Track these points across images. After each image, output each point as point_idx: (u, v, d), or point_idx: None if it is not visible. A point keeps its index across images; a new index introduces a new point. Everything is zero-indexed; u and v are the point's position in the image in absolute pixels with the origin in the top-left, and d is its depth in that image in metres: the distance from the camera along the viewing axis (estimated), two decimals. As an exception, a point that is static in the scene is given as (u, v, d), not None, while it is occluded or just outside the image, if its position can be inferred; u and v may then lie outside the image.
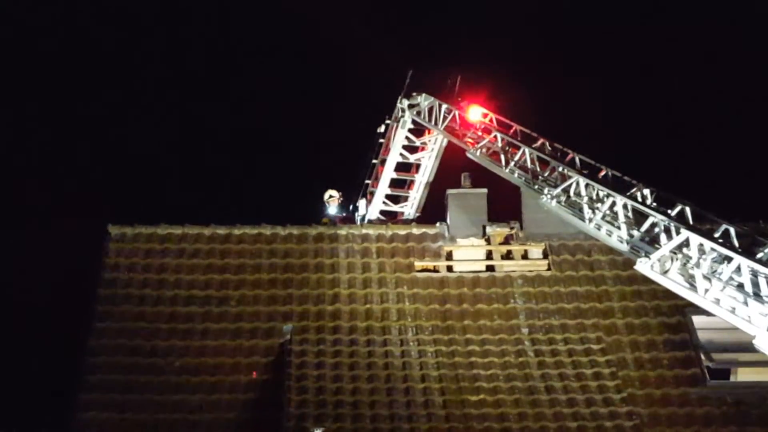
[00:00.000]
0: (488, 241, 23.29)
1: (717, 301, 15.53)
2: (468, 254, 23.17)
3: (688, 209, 16.57)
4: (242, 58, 39.45)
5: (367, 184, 25.68)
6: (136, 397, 20.45)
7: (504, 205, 23.53)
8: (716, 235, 15.81)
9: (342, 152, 30.46)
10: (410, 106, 24.15)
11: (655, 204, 17.34)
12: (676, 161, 33.63)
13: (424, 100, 23.89)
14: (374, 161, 25.57)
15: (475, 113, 22.56)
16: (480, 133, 22.29)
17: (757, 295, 14.87)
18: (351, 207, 25.96)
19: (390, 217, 25.28)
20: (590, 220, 18.37)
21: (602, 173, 18.79)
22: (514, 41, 36.24)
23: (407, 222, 24.74)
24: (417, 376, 20.28)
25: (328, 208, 25.86)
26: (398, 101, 24.38)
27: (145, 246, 22.98)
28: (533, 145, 20.71)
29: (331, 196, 25.89)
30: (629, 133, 34.91)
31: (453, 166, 24.02)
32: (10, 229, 33.64)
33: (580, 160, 19.48)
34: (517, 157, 20.90)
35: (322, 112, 36.08)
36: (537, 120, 21.85)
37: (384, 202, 25.57)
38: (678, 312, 21.39)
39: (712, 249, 15.59)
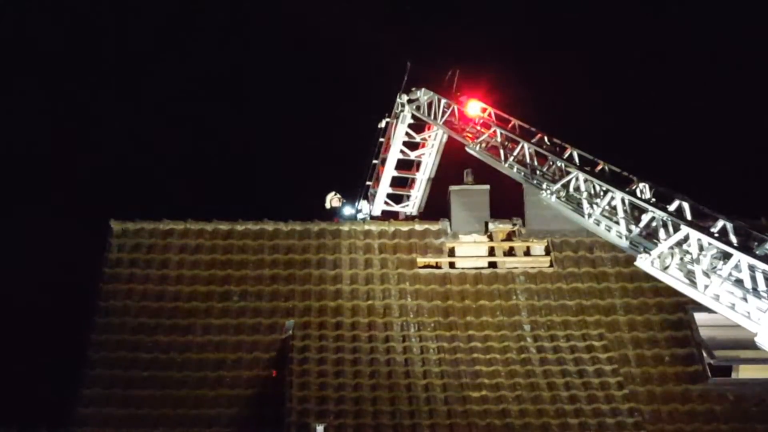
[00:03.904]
0: (491, 238, 23.30)
1: (717, 297, 15.48)
2: (470, 251, 23.18)
3: (686, 205, 16.51)
4: (244, 54, 39.44)
5: (368, 185, 25.65)
6: (138, 393, 20.47)
7: (506, 201, 23.55)
8: (715, 230, 15.76)
9: (343, 148, 30.46)
10: (409, 101, 24.12)
11: (653, 199, 17.33)
12: (676, 156, 33.57)
13: (423, 95, 23.86)
14: (374, 161, 25.54)
15: (474, 108, 22.53)
16: (479, 128, 22.29)
17: (755, 291, 14.85)
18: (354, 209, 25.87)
19: (392, 218, 25.13)
20: (589, 215, 18.33)
21: (599, 167, 18.76)
22: (512, 35, 36.25)
23: (410, 218, 24.73)
24: (419, 372, 20.28)
25: (341, 212, 25.69)
26: (397, 96, 24.37)
27: (147, 241, 23.01)
28: (532, 140, 20.66)
29: (338, 198, 25.76)
30: (628, 127, 34.86)
31: (455, 163, 24.01)
32: (12, 224, 33.71)
33: (578, 154, 19.45)
34: (515, 152, 20.85)
35: (323, 107, 36.08)
36: (535, 114, 21.88)
37: (386, 202, 25.53)
38: (680, 309, 21.40)
39: (712, 245, 15.56)
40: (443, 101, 23.29)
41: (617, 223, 17.66)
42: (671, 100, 35.95)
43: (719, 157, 33.64)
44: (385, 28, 34.40)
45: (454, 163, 24.09)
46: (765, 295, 14.75)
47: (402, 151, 24.92)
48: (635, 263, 16.92)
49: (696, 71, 36.43)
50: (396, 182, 25.41)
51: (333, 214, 25.29)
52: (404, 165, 25.26)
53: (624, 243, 17.51)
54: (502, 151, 21.30)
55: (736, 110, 35.08)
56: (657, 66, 37.85)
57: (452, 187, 23.83)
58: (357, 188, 25.81)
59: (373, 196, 25.48)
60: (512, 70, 29.13)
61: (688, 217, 16.38)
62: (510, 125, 21.68)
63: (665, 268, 16.28)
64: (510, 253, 23.03)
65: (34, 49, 39.03)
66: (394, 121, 24.66)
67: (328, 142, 34.57)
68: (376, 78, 29.82)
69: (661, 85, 36.85)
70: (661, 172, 18.43)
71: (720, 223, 15.83)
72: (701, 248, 15.73)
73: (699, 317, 20.97)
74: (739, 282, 15.14)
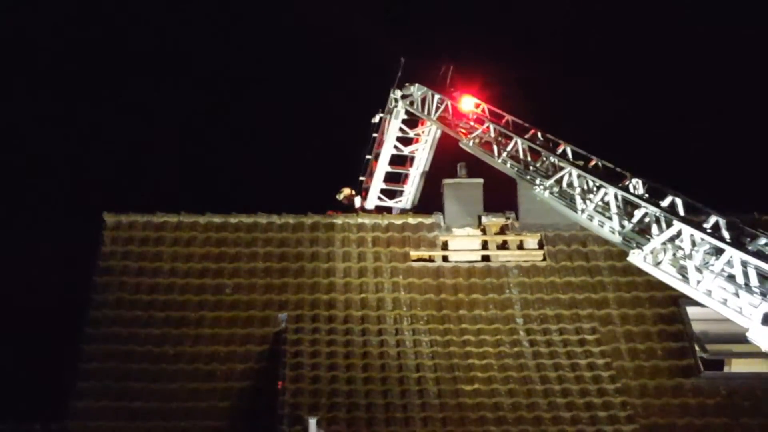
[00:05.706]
0: (484, 231, 23.32)
1: (709, 293, 15.51)
2: (463, 244, 23.20)
3: (679, 200, 16.56)
4: (238, 48, 39.48)
5: (362, 180, 25.64)
6: (132, 385, 20.47)
7: (500, 195, 23.56)
8: (707, 226, 15.79)
9: (337, 142, 30.48)
10: (403, 97, 24.10)
11: (646, 195, 17.36)
12: (670, 152, 33.66)
13: (417, 91, 23.83)
14: (368, 157, 25.52)
15: (468, 103, 22.54)
16: (472, 124, 22.29)
17: (747, 286, 14.89)
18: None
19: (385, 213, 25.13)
20: (582, 210, 18.35)
21: (592, 163, 18.79)
22: (506, 31, 36.32)
23: (403, 212, 24.75)
24: (412, 365, 20.29)
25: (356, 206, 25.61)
26: (391, 92, 24.34)
27: (140, 234, 22.98)
28: (525, 136, 20.68)
29: (351, 195, 25.74)
30: (622, 124, 34.92)
31: (449, 156, 24.01)
32: (5, 217, 33.73)
33: (571, 150, 19.48)
34: (509, 148, 20.87)
35: (318, 101, 36.09)
36: (529, 110, 21.89)
37: (379, 197, 25.50)
38: (673, 303, 21.43)
39: (704, 241, 15.60)
40: (437, 97, 23.27)
41: (610, 218, 17.67)
42: (666, 97, 36.07)
43: (712, 153, 33.75)
44: (381, 25, 34.52)
45: (448, 157, 24.09)
46: (757, 290, 14.78)
47: (395, 147, 24.92)
48: (628, 258, 16.93)
49: (692, 69, 36.55)
50: (389, 178, 25.40)
51: (336, 206, 25.29)
52: (398, 160, 25.25)
53: (617, 238, 17.54)
54: (495, 147, 21.32)
55: (731, 106, 35.18)
56: (652, 64, 37.94)
57: (446, 181, 23.83)
58: (350, 183, 25.82)
59: (367, 191, 25.47)
60: (506, 65, 29.10)
61: (681, 212, 16.41)
62: (503, 121, 21.67)
63: (658, 264, 16.31)
64: (503, 246, 23.05)
65: (30, 44, 39.07)
66: (388, 116, 24.63)
67: (323, 137, 34.65)
68: (370, 73, 29.83)
69: (656, 82, 36.98)
70: (654, 168, 18.50)
71: (712, 219, 15.85)
72: (694, 244, 15.75)
73: (692, 311, 21.00)
74: (731, 277, 15.16)
